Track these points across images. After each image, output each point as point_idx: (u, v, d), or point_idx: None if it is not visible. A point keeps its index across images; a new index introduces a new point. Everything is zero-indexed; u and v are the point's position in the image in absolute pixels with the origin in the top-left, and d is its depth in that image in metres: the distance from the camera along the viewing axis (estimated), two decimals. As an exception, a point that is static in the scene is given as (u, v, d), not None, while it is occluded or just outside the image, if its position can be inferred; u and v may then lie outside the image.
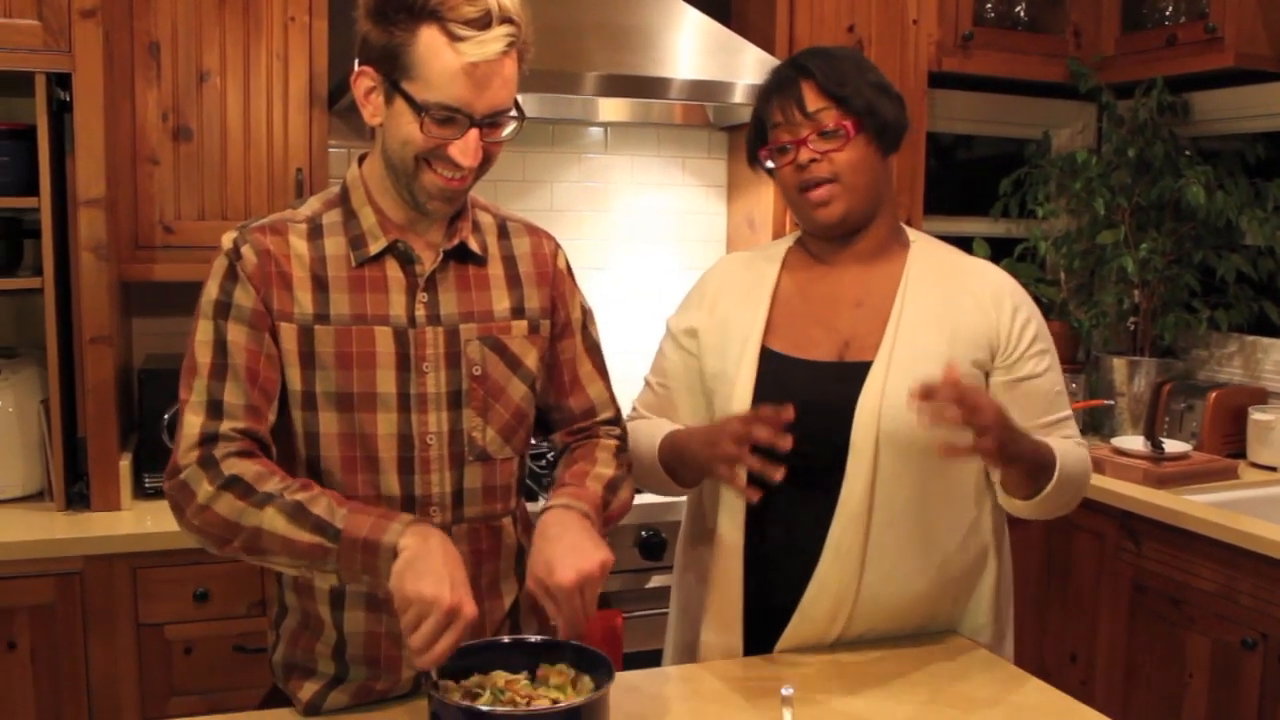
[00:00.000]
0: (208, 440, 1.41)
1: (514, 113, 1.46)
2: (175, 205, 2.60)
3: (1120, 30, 3.37)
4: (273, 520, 1.37)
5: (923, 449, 1.68)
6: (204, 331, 1.45)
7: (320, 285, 1.48)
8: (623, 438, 1.71)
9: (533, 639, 1.46)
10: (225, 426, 1.42)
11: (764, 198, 3.17)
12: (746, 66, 2.77)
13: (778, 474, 1.54)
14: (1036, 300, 1.82)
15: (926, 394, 1.48)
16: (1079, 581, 2.95)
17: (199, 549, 2.30)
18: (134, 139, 2.55)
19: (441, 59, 1.37)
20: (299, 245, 1.49)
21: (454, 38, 1.36)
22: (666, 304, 1.99)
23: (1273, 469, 3.02)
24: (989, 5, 3.38)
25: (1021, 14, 3.45)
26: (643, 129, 3.32)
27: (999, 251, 3.55)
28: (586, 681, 1.40)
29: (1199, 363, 3.49)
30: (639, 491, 1.74)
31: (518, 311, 1.58)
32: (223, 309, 1.45)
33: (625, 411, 1.79)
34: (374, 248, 1.50)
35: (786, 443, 1.54)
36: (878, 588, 1.71)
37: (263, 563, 1.42)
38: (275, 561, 1.40)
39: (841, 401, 1.69)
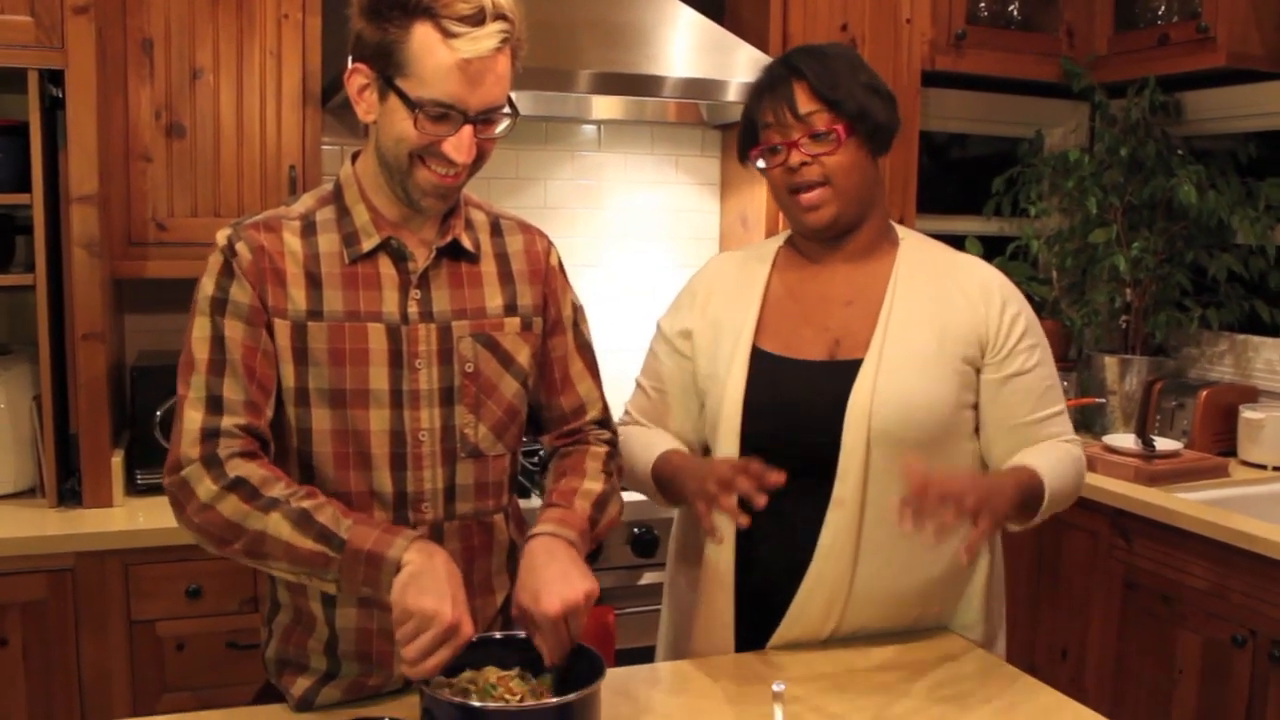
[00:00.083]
0: (209, 436, 1.41)
1: (507, 110, 1.46)
2: (168, 202, 2.60)
3: (1113, 29, 3.38)
4: (277, 526, 1.37)
5: (913, 447, 1.68)
6: (201, 328, 1.45)
7: (314, 282, 1.48)
8: (612, 442, 1.71)
9: (524, 635, 1.46)
10: (226, 422, 1.42)
11: (757, 196, 3.17)
12: (740, 65, 2.78)
13: (744, 520, 1.54)
14: (1029, 299, 1.83)
15: (914, 510, 1.47)
16: (1070, 578, 2.96)
17: (191, 546, 2.30)
18: (127, 136, 2.55)
19: (435, 55, 1.37)
20: (293, 242, 1.49)
21: (448, 34, 1.37)
22: (659, 302, 2.00)
23: (1263, 467, 3.03)
24: (982, 4, 3.39)
25: (1014, 13, 3.46)
26: (636, 127, 3.33)
27: (991, 250, 3.56)
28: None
29: (1190, 361, 3.50)
30: (625, 489, 1.74)
31: (510, 309, 1.58)
32: (219, 305, 1.45)
33: (616, 412, 1.78)
34: (367, 245, 1.50)
35: (761, 501, 1.54)
36: (870, 585, 1.72)
37: (262, 566, 1.42)
38: (275, 566, 1.40)
39: (832, 400, 1.69)
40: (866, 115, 1.69)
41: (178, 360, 1.48)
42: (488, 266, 1.58)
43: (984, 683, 1.66)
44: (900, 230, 1.86)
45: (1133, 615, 2.78)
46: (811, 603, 1.72)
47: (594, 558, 2.46)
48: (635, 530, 2.60)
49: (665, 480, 1.75)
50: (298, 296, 1.47)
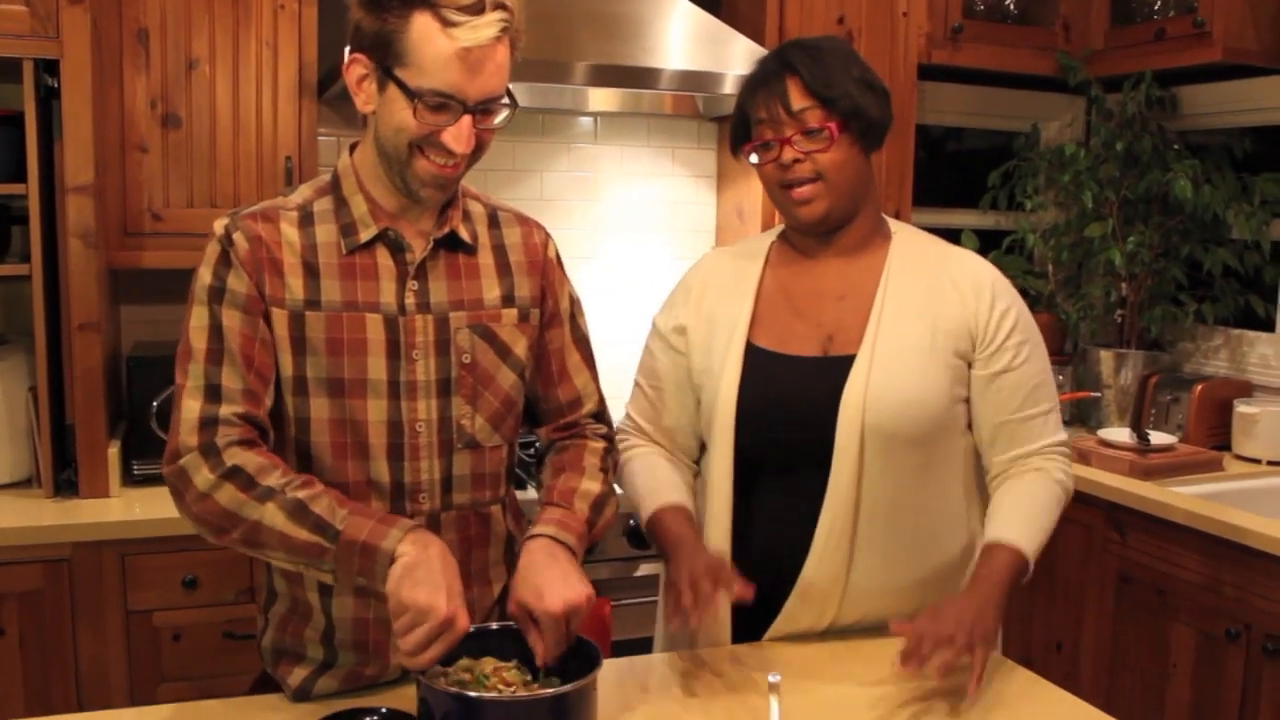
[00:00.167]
0: (208, 425, 1.41)
1: (506, 100, 1.46)
2: (164, 193, 2.59)
3: (1109, 24, 3.38)
4: (273, 516, 1.37)
5: (906, 442, 1.69)
6: (199, 317, 1.45)
7: (311, 272, 1.48)
8: (609, 436, 1.71)
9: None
10: (224, 411, 1.41)
11: (753, 188, 3.17)
12: (736, 57, 2.78)
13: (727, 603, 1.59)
14: (1024, 292, 1.83)
15: (914, 661, 1.51)
16: (1065, 572, 2.97)
17: (187, 536, 2.33)
18: (122, 126, 2.55)
19: (435, 44, 1.37)
20: (290, 232, 1.49)
21: (447, 23, 1.37)
22: (656, 294, 2.00)
23: (1257, 461, 3.04)
24: (979, -2, 3.39)
25: (1011, 7, 3.46)
26: (633, 119, 3.32)
27: (987, 244, 3.57)
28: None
29: (1185, 355, 3.51)
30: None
31: (508, 300, 1.58)
32: (217, 294, 1.45)
33: (612, 404, 1.78)
34: (365, 235, 1.50)
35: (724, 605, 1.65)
36: (866, 580, 1.72)
37: (260, 555, 1.42)
38: (272, 556, 1.40)
39: (826, 396, 1.69)
40: (860, 112, 1.69)
41: (174, 351, 1.48)
42: (485, 258, 1.58)
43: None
44: (893, 224, 1.85)
45: (1127, 609, 2.79)
46: (807, 597, 1.72)
47: (590, 550, 2.46)
48: (631, 522, 2.61)
49: (656, 542, 1.76)
50: (295, 286, 1.47)
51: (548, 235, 1.68)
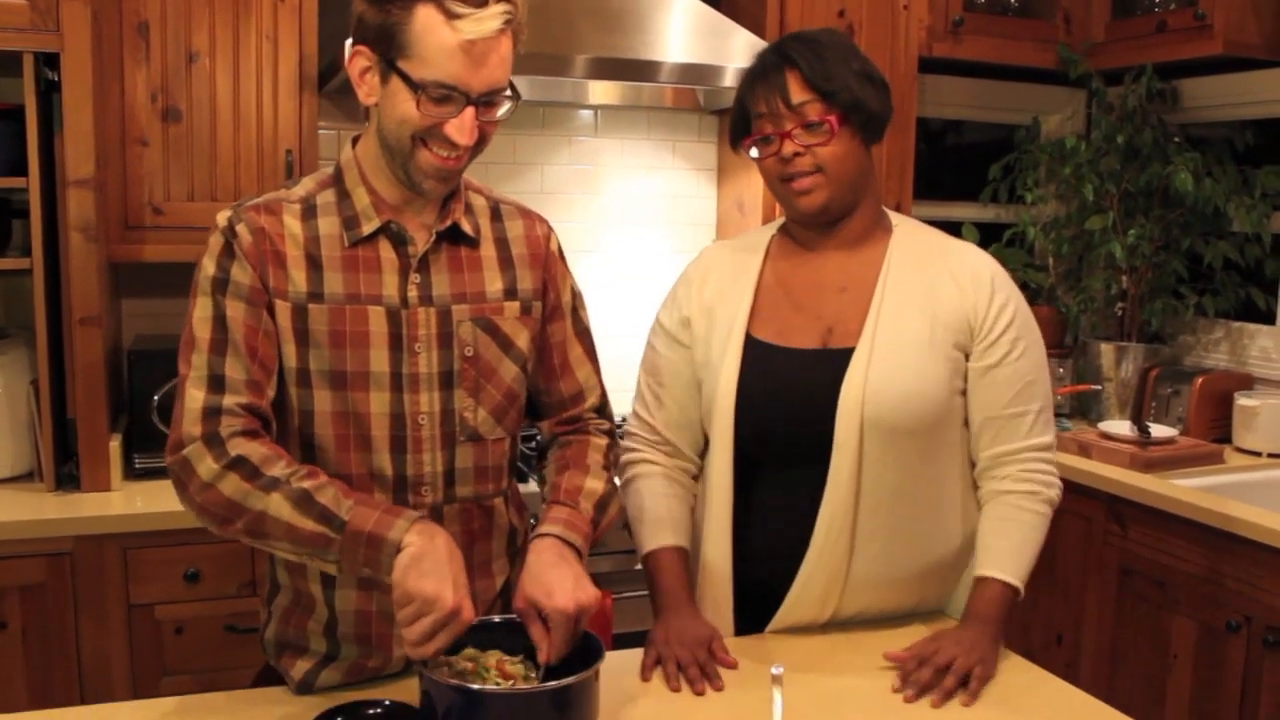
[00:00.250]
0: (211, 414, 1.41)
1: (509, 92, 1.46)
2: (164, 186, 2.59)
3: (1110, 16, 3.38)
4: (278, 506, 1.37)
5: (906, 435, 1.69)
6: (203, 308, 1.45)
7: (314, 264, 1.48)
8: (611, 432, 1.72)
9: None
10: (228, 401, 1.41)
11: (754, 181, 3.17)
12: (737, 50, 2.77)
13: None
14: (1024, 286, 1.83)
15: (914, 688, 1.57)
16: (1066, 564, 2.97)
17: (189, 530, 2.33)
18: (123, 119, 2.54)
19: (438, 36, 1.37)
20: (293, 225, 1.49)
21: (451, 15, 1.37)
22: (657, 287, 2.00)
23: (1258, 454, 3.04)
24: (979, -10, 3.39)
25: (1012, 0, 3.46)
26: (633, 112, 3.32)
27: (988, 237, 3.57)
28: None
29: (1186, 348, 3.51)
30: None
31: (510, 293, 1.58)
32: (221, 285, 1.45)
33: (614, 398, 1.78)
34: (367, 228, 1.50)
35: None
36: (867, 572, 1.72)
37: (264, 546, 1.42)
38: (277, 546, 1.40)
39: (825, 388, 1.69)
40: (859, 105, 1.69)
41: (175, 344, 1.48)
42: (487, 251, 1.58)
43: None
44: (894, 217, 1.85)
45: (1128, 601, 2.79)
46: (809, 590, 1.72)
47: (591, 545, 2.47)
48: (632, 515, 2.61)
49: (648, 582, 1.79)
50: (298, 278, 1.47)
51: (550, 228, 1.68)
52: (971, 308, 1.73)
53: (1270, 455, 3.02)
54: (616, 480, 1.68)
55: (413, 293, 1.51)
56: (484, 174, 3.04)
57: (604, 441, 1.68)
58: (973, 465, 1.80)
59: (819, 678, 1.61)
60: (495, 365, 1.56)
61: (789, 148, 1.69)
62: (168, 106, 2.57)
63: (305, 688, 1.53)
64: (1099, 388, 3.38)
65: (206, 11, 2.57)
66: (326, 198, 1.52)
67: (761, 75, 1.72)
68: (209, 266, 1.46)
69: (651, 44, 2.72)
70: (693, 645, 1.63)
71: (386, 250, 1.51)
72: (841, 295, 1.77)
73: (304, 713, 1.44)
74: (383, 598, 1.52)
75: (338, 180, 1.53)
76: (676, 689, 1.57)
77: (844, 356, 1.71)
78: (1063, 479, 1.81)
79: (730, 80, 2.73)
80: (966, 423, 1.77)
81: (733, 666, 1.62)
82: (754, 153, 1.75)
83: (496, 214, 1.62)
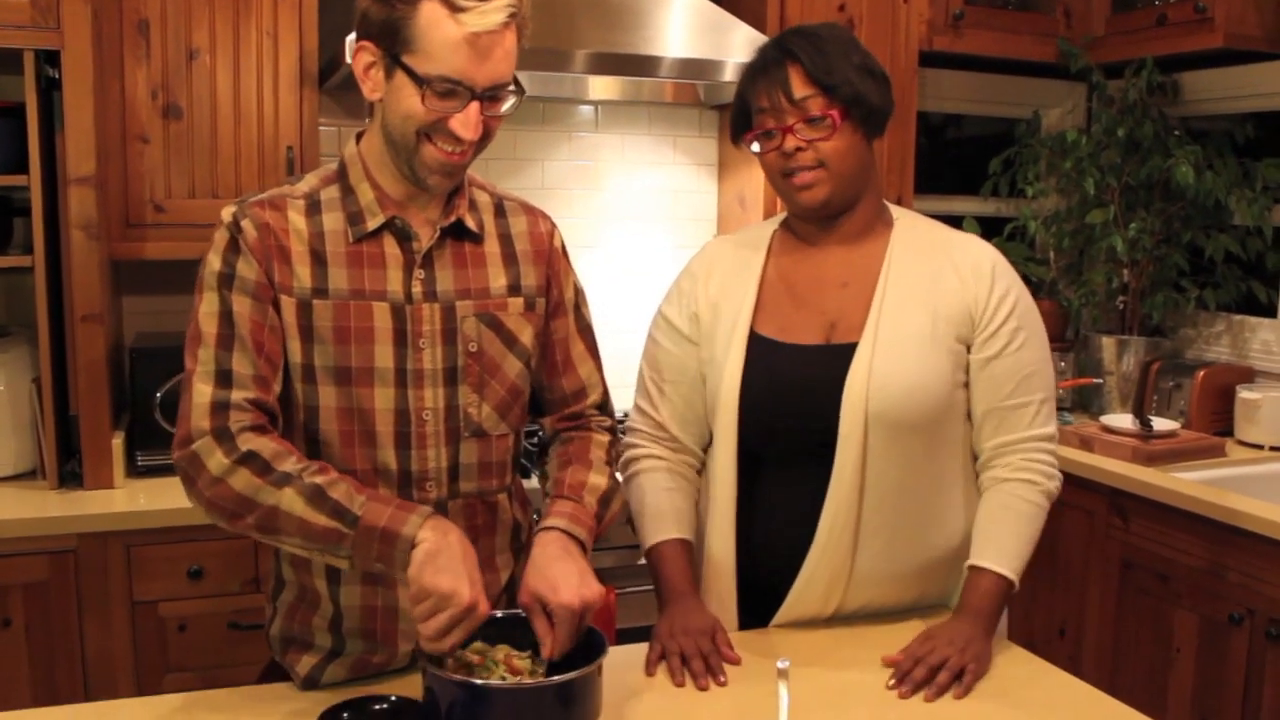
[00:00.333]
0: (220, 409, 1.41)
1: (513, 87, 1.46)
2: (165, 184, 2.59)
3: (1110, 10, 3.38)
4: (291, 501, 1.37)
5: (910, 429, 1.69)
6: (209, 303, 1.45)
7: (319, 260, 1.48)
8: (613, 429, 1.72)
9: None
10: (236, 395, 1.41)
11: (755, 176, 3.17)
12: (737, 45, 2.77)
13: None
14: (1025, 279, 1.82)
15: (910, 685, 1.57)
16: (1068, 558, 2.98)
17: (193, 527, 2.34)
18: (123, 117, 2.54)
19: (443, 30, 1.37)
20: (297, 220, 1.49)
21: (456, 9, 1.37)
22: (658, 283, 2.00)
23: (1260, 447, 3.04)
24: (980, -16, 3.38)
25: (1012, -7, 3.46)
26: (634, 107, 3.32)
27: (989, 231, 3.57)
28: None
29: (1187, 342, 3.51)
30: None
31: (514, 289, 1.58)
32: (227, 280, 1.45)
33: (616, 394, 1.78)
34: (372, 224, 1.50)
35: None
36: (871, 567, 1.73)
37: (274, 541, 1.42)
38: (288, 542, 1.40)
39: (829, 384, 1.69)
40: (861, 99, 1.68)
41: (177, 342, 1.48)
42: (491, 247, 1.58)
43: (985, 659, 1.67)
44: (895, 210, 1.85)
45: (1130, 594, 2.79)
46: (813, 585, 1.73)
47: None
48: (635, 511, 2.61)
49: (652, 576, 1.79)
50: (303, 274, 1.47)
51: (553, 225, 1.67)
52: (973, 299, 1.73)
53: (1272, 448, 3.02)
54: (619, 476, 1.68)
55: (417, 288, 1.51)
56: (485, 170, 3.04)
57: (606, 438, 1.68)
58: (975, 458, 1.80)
59: (823, 671, 1.61)
60: (499, 361, 1.56)
61: (791, 143, 1.69)
62: (168, 103, 2.57)
63: (310, 683, 1.53)
64: (1100, 381, 3.39)
65: (207, 8, 2.57)
66: (330, 193, 1.52)
67: (763, 70, 1.71)
68: (214, 262, 1.46)
69: (651, 39, 2.72)
70: (696, 635, 1.63)
71: (391, 246, 1.51)
72: (844, 290, 1.77)
73: (310, 708, 1.44)
74: (388, 593, 1.53)
75: (342, 176, 1.53)
76: (681, 684, 1.58)
77: (847, 351, 1.71)
78: (1064, 472, 1.81)
79: (730, 75, 2.73)
80: (969, 416, 1.77)
81: (736, 662, 1.63)
82: (755, 147, 1.74)
83: (500, 210, 1.62)
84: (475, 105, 1.42)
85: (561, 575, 1.41)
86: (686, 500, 1.83)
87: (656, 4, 2.79)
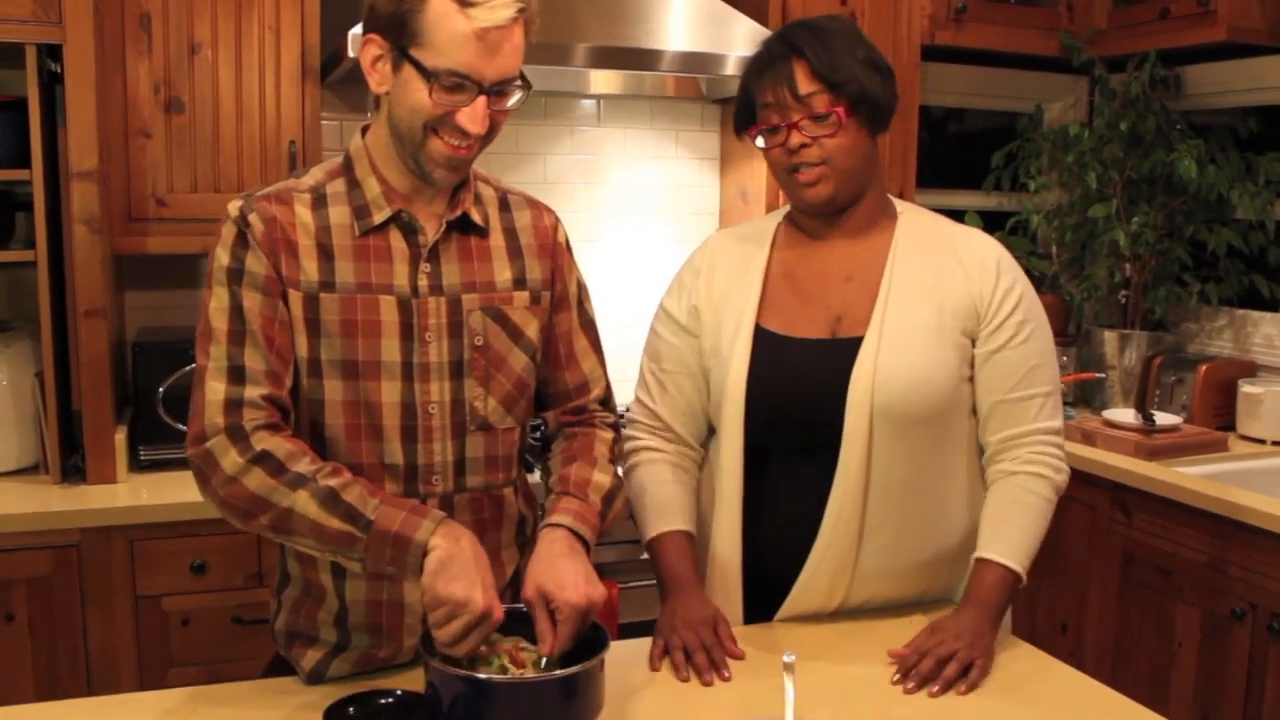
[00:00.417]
0: (233, 407, 1.41)
1: (520, 82, 1.46)
2: (168, 178, 2.59)
3: (1113, 3, 3.37)
4: (304, 504, 1.37)
5: (915, 423, 1.69)
6: (219, 298, 1.45)
7: (325, 254, 1.48)
8: (616, 425, 1.72)
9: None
10: (249, 392, 1.41)
11: (757, 170, 3.17)
12: (739, 38, 2.77)
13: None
14: (1028, 274, 1.82)
15: (915, 680, 1.57)
16: (1070, 552, 2.98)
17: (196, 521, 2.34)
18: (125, 111, 2.54)
19: (452, 24, 1.37)
20: (304, 214, 1.49)
21: (465, 3, 1.37)
22: (659, 277, 2.00)
23: (1262, 441, 3.04)
24: (982, -22, 3.37)
25: (1015, -13, 3.45)
26: (635, 101, 3.32)
27: (991, 225, 3.56)
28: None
29: (1189, 336, 3.51)
30: None
31: (519, 283, 1.58)
32: (236, 275, 1.45)
33: (617, 388, 1.78)
34: (378, 217, 1.50)
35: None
36: (875, 560, 1.73)
37: (288, 542, 1.42)
38: (301, 543, 1.41)
39: (834, 378, 1.69)
40: (867, 96, 1.68)
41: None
42: (496, 241, 1.58)
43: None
44: (899, 204, 1.85)
45: (1132, 589, 2.79)
46: (817, 579, 1.73)
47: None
48: (637, 505, 2.61)
49: (654, 568, 1.78)
50: (310, 268, 1.47)
51: (557, 219, 1.67)
52: (977, 293, 1.73)
53: (1274, 443, 3.02)
54: (620, 472, 1.68)
55: (423, 282, 1.51)
56: (486, 164, 2.99)
57: (609, 434, 1.68)
58: (980, 453, 1.80)
59: (828, 666, 1.61)
60: (505, 355, 1.56)
61: (796, 139, 1.68)
62: (170, 98, 2.57)
63: (316, 678, 1.54)
64: (1103, 376, 3.39)
65: (208, 2, 2.57)
66: (336, 187, 1.52)
67: (768, 64, 1.71)
68: (223, 257, 1.46)
69: (653, 32, 2.71)
70: (698, 627, 1.63)
71: (397, 239, 1.51)
72: (848, 284, 1.77)
73: (315, 703, 1.45)
74: (393, 588, 1.53)
75: (347, 170, 1.53)
76: (685, 679, 1.58)
77: (853, 346, 1.70)
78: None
79: (732, 69, 2.73)
80: (974, 411, 1.77)
81: (739, 656, 1.63)
82: (760, 142, 1.74)
83: (505, 204, 1.62)
84: (482, 99, 1.42)
85: (568, 573, 1.41)
86: (687, 492, 1.83)
87: (658, -3, 2.79)
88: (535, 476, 1.77)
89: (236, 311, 1.44)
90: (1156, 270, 3.36)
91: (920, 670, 1.57)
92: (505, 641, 1.41)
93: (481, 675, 1.33)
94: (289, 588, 1.59)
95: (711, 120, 3.41)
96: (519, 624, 1.44)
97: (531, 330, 1.59)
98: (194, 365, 1.46)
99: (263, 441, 1.39)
